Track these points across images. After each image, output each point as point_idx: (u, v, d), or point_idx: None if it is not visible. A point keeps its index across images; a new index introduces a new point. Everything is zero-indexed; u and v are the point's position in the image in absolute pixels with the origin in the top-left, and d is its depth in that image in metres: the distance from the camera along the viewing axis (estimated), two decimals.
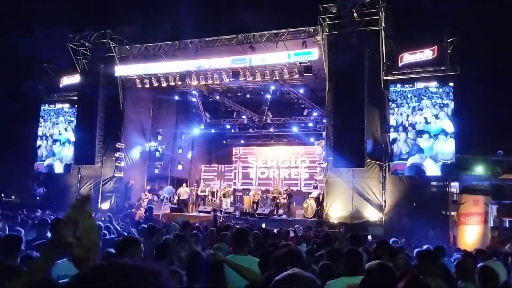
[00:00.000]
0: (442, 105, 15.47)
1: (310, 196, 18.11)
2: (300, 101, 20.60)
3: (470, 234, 14.38)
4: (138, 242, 3.50)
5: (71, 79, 21.24)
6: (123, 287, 0.98)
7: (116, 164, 19.52)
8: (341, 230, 13.65)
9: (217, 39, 17.95)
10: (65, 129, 21.31)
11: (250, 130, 23.78)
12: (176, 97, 22.34)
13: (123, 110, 19.88)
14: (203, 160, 26.36)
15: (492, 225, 15.93)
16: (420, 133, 15.51)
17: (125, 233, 7.80)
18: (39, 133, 21.94)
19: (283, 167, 24.43)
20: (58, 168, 21.06)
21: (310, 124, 22.14)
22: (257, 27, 17.51)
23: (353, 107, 15.42)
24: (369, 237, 12.50)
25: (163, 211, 17.99)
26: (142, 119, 21.16)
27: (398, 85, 16.13)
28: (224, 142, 25.70)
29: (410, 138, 15.60)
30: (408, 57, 15.94)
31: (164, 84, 18.90)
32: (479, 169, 18.39)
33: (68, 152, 20.80)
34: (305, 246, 7.60)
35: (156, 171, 21.64)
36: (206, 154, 26.53)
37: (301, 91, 19.75)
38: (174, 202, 19.83)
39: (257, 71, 17.42)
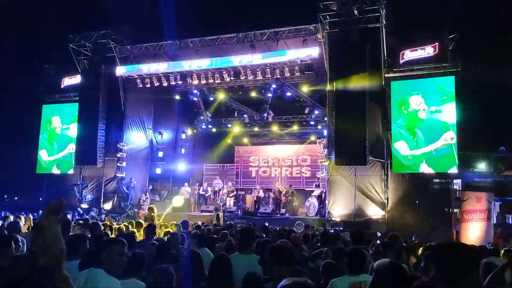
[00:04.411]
0: (443, 102, 15.42)
1: (312, 194, 18.09)
2: (301, 99, 20.55)
3: (473, 231, 14.34)
4: (119, 241, 3.45)
5: (72, 80, 21.26)
6: None
7: (118, 164, 19.54)
8: (339, 228, 13.62)
9: (217, 38, 17.94)
10: (67, 130, 21.31)
11: (252, 129, 23.76)
12: (177, 97, 22.33)
13: (125, 110, 19.90)
14: (204, 159, 26.35)
15: (495, 221, 15.87)
16: (421, 129, 15.47)
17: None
18: (41, 134, 21.97)
19: (285, 165, 24.39)
20: (60, 169, 21.08)
21: (312, 123, 22.09)
22: (258, 25, 17.51)
23: (354, 105, 15.38)
24: (378, 233, 12.47)
25: (166, 211, 17.99)
26: (143, 119, 21.16)
27: (399, 82, 16.08)
28: (225, 141, 25.67)
29: (411, 135, 15.57)
30: (409, 54, 15.90)
31: (165, 84, 18.91)
32: (482, 166, 18.33)
33: (70, 153, 20.81)
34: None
35: (158, 170, 21.65)
36: (207, 154, 26.51)
37: (303, 89, 19.71)
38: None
39: (258, 69, 17.40)
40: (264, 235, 7.83)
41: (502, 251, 6.90)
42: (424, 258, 3.62)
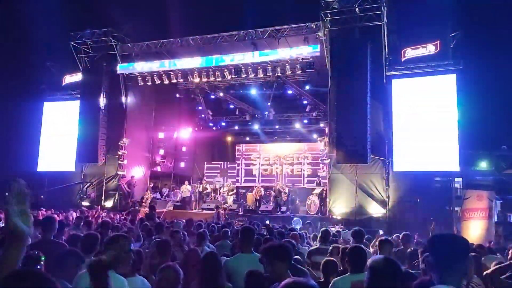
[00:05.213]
0: (445, 100, 15.38)
1: (313, 192, 18.09)
2: (302, 97, 20.55)
3: (474, 229, 14.33)
4: (125, 237, 3.38)
5: (73, 78, 21.27)
6: None
7: (119, 162, 19.55)
8: (341, 226, 13.62)
9: (218, 36, 17.92)
10: (68, 127, 21.31)
11: (253, 126, 23.77)
12: (178, 95, 22.35)
13: (126, 108, 19.90)
14: (206, 157, 26.37)
15: (496, 220, 15.86)
16: (423, 128, 15.45)
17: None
18: (43, 132, 21.98)
19: (286, 163, 24.41)
20: (62, 166, 21.09)
21: (313, 121, 22.09)
22: (259, 23, 17.49)
23: (356, 103, 15.36)
24: (380, 232, 12.45)
25: (167, 209, 18.03)
26: (144, 116, 21.16)
27: (401, 80, 16.06)
28: (226, 139, 25.70)
29: (413, 133, 15.55)
30: (410, 52, 15.87)
31: (166, 82, 18.91)
32: (483, 164, 18.32)
33: (71, 150, 20.81)
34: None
35: (159, 168, 21.66)
36: (208, 151, 26.54)
37: (304, 87, 19.70)
38: (177, 199, 19.85)
39: (259, 67, 17.38)
40: (266, 234, 7.84)
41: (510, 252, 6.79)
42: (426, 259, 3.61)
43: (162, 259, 4.58)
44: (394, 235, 9.33)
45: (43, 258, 3.12)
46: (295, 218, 15.15)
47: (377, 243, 5.86)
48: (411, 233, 11.21)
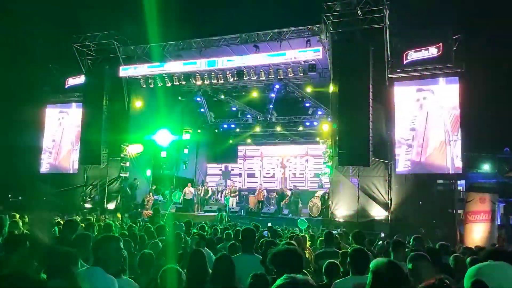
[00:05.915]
0: (447, 102, 15.36)
1: (315, 195, 18.08)
2: (305, 100, 20.56)
3: (477, 232, 14.31)
4: (116, 238, 3.42)
5: (76, 80, 21.34)
6: None
7: (122, 164, 19.57)
8: (343, 228, 13.59)
9: (221, 38, 17.95)
10: (71, 130, 21.38)
11: (255, 129, 23.79)
12: (180, 97, 22.37)
13: (128, 110, 19.93)
14: (208, 159, 26.41)
15: (499, 223, 15.81)
16: (425, 130, 15.42)
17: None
18: (45, 134, 22.06)
19: (288, 166, 24.42)
20: (64, 169, 21.15)
21: (315, 123, 22.10)
22: (261, 26, 17.52)
23: (358, 105, 15.35)
24: (382, 234, 12.43)
25: (170, 211, 18.03)
26: (147, 119, 21.16)
27: (403, 83, 16.04)
28: (229, 141, 25.73)
29: (415, 136, 15.53)
30: (413, 55, 15.86)
31: (169, 84, 18.93)
32: (486, 167, 18.29)
33: (74, 153, 20.88)
34: None
35: (162, 171, 21.67)
36: (211, 154, 26.57)
37: (306, 89, 19.70)
38: (180, 202, 19.86)
39: (261, 70, 17.40)
40: (268, 236, 7.83)
41: None
42: (412, 259, 3.63)
43: (167, 260, 4.61)
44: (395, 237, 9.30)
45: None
46: (300, 219, 15.09)
47: (383, 243, 5.86)
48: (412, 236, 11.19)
